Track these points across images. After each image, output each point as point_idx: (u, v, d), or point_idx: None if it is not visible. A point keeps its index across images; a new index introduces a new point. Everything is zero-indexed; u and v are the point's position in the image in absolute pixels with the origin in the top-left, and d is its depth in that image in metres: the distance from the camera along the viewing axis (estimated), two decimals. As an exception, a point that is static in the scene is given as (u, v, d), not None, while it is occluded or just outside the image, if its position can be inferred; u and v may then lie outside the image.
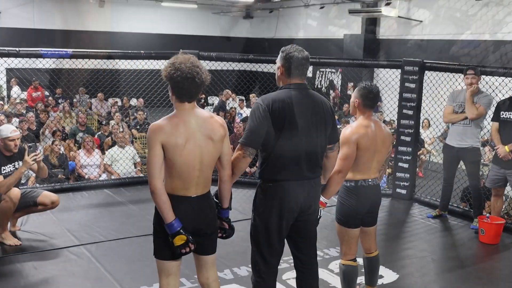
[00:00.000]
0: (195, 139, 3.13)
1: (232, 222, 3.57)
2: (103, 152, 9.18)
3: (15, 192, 5.25)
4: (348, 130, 3.89)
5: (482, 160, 7.15)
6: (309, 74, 18.19)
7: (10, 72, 14.72)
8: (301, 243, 3.55)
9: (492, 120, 6.04)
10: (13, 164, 5.39)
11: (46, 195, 5.59)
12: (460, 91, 6.43)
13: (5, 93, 16.96)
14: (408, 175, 7.51)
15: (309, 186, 3.40)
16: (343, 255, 4.12)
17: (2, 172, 5.29)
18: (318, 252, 5.38)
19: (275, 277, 3.55)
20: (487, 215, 6.07)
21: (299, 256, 3.59)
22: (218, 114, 11.47)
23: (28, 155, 5.27)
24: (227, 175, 3.39)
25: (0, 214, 5.29)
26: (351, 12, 15.21)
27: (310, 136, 3.33)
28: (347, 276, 4.09)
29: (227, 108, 13.90)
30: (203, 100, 14.66)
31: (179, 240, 3.13)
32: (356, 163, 3.90)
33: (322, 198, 3.65)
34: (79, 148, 9.14)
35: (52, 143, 8.64)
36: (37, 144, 8.93)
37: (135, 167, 8.84)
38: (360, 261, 4.26)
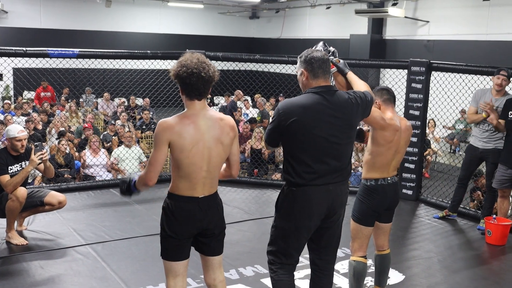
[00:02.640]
0: (204, 141, 3.11)
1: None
2: (109, 151, 9.20)
3: (22, 192, 5.26)
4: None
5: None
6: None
7: (17, 71, 14.77)
8: (322, 248, 3.50)
9: (500, 118, 6.00)
10: (20, 164, 5.41)
11: (53, 195, 5.60)
12: (483, 91, 6.35)
13: (12, 92, 17.02)
14: (415, 176, 7.49)
15: (334, 191, 3.32)
16: (354, 252, 4.12)
17: (9, 171, 5.30)
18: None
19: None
20: (494, 216, 6.05)
21: (316, 261, 3.54)
22: (231, 115, 11.49)
23: (34, 154, 5.28)
24: (233, 175, 3.42)
25: (7, 213, 5.31)
26: (358, 12, 15.19)
27: (334, 140, 3.24)
28: (357, 272, 4.07)
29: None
30: (209, 100, 14.67)
31: None
32: (377, 161, 3.96)
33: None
34: (81, 148, 9.15)
35: (59, 142, 8.66)
36: (43, 143, 8.95)
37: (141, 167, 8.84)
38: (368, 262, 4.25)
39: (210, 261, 3.38)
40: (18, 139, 5.31)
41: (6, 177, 5.25)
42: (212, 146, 3.13)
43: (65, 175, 8.32)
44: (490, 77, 6.37)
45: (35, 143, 5.38)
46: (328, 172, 3.26)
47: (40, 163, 5.36)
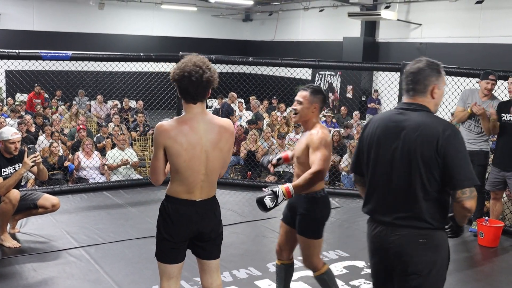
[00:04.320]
0: (201, 145, 3.10)
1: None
2: (102, 154, 9.17)
3: (15, 194, 5.25)
4: (322, 132, 3.72)
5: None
6: (308, 77, 18.22)
7: (9, 74, 14.72)
8: None
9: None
10: (13, 166, 5.40)
11: (46, 198, 5.59)
12: (471, 91, 6.35)
13: (4, 95, 16.96)
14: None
15: (387, 236, 2.86)
16: (319, 264, 3.95)
17: (2, 174, 5.29)
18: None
19: None
20: (486, 218, 6.07)
21: None
22: (228, 118, 11.48)
23: (27, 157, 5.27)
24: (221, 174, 3.34)
25: (0, 216, 5.30)
26: (351, 15, 15.25)
27: (386, 167, 2.86)
28: (333, 278, 4.02)
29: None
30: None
31: None
32: (327, 169, 3.77)
33: (290, 187, 3.53)
34: (74, 150, 9.12)
35: (50, 145, 8.63)
36: (36, 146, 8.92)
37: (131, 167, 8.80)
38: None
39: (206, 265, 3.36)
40: (11, 142, 5.29)
41: None
42: (209, 150, 3.12)
43: (58, 177, 8.29)
44: (477, 79, 6.40)
45: (28, 146, 5.37)
46: (376, 204, 3.03)
47: (33, 166, 5.35)
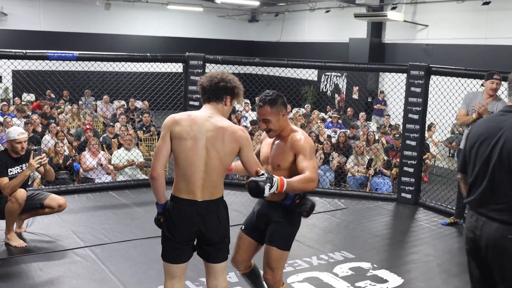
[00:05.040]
0: (202, 140, 3.15)
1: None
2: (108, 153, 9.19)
3: (21, 193, 5.26)
4: (307, 137, 3.54)
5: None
6: (314, 77, 18.20)
7: (16, 74, 14.76)
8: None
9: None
10: (20, 166, 5.42)
11: (53, 198, 5.60)
12: (474, 94, 6.31)
13: (11, 95, 17.02)
14: (413, 180, 7.49)
15: (479, 224, 3.02)
16: (280, 282, 3.70)
17: (9, 173, 5.31)
18: (322, 256, 5.40)
19: None
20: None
21: None
22: (229, 118, 11.48)
23: (33, 159, 5.28)
24: (251, 173, 3.30)
25: (6, 215, 5.31)
26: (357, 16, 15.22)
27: (485, 163, 3.02)
28: None
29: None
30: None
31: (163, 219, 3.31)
32: None
33: (285, 180, 3.25)
34: (80, 151, 9.14)
35: (55, 144, 8.65)
36: (42, 145, 8.93)
37: (137, 167, 8.81)
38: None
39: (211, 267, 3.34)
40: (18, 141, 5.31)
41: (5, 180, 5.24)
42: (209, 148, 3.15)
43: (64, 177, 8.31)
44: (478, 80, 6.36)
45: (34, 147, 5.38)
46: (475, 198, 3.18)
47: (39, 167, 5.37)
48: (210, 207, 3.20)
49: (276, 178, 3.21)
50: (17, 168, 5.39)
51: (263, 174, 3.21)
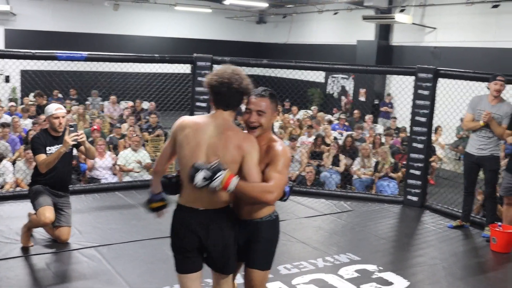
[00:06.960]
0: (205, 147, 3.05)
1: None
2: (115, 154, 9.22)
3: (51, 217, 5.19)
4: (285, 148, 3.22)
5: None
6: (322, 80, 18.21)
7: (25, 73, 14.83)
8: None
9: (508, 128, 5.98)
10: (60, 145, 5.22)
11: (62, 233, 5.47)
12: (479, 98, 6.31)
13: (19, 95, 17.09)
14: (420, 182, 7.48)
15: None
16: None
17: (48, 151, 5.20)
18: (328, 258, 5.40)
19: None
20: (499, 223, 6.03)
21: None
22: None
23: (68, 135, 5.09)
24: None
25: (29, 223, 5.32)
26: (365, 18, 15.21)
27: None
28: None
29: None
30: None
31: (155, 204, 3.38)
32: None
33: (235, 180, 2.91)
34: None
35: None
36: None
37: (144, 168, 8.83)
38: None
39: (216, 276, 3.28)
40: (55, 117, 5.22)
41: (42, 156, 5.15)
42: (210, 155, 3.02)
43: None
44: (486, 83, 6.37)
45: (70, 124, 5.18)
46: None
47: (74, 145, 5.14)
48: (213, 217, 3.10)
49: (223, 173, 2.88)
50: (56, 147, 5.23)
51: (216, 163, 2.91)
